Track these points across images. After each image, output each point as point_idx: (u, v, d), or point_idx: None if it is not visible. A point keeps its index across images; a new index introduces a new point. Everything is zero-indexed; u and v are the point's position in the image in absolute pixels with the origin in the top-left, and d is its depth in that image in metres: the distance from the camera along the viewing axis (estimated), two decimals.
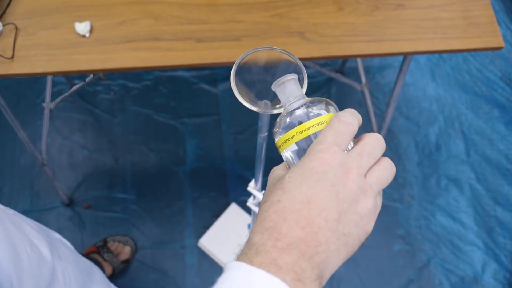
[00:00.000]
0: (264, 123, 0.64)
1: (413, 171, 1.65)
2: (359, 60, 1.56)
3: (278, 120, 0.43)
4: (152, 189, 1.59)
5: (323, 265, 0.35)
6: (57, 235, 0.90)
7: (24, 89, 1.73)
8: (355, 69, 1.63)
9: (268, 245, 0.35)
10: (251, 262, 0.35)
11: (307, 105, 0.41)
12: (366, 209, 0.37)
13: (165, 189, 1.59)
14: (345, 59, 1.73)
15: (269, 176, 0.42)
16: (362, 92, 1.49)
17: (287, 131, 0.41)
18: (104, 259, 1.41)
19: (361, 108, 1.72)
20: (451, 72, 1.83)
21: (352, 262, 1.51)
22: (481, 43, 0.99)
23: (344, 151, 0.38)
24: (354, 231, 0.37)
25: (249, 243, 0.36)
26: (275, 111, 0.47)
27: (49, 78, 1.44)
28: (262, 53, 0.47)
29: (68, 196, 1.56)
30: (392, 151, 1.68)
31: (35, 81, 1.74)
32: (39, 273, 0.63)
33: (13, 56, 0.94)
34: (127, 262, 1.46)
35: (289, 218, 0.35)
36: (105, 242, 1.47)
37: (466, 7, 1.03)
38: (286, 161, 0.43)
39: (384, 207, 1.59)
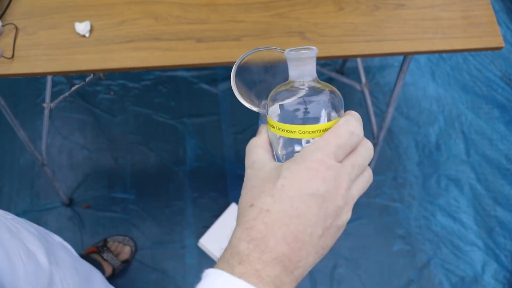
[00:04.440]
0: (264, 123, 0.64)
1: (413, 171, 1.65)
2: (359, 60, 1.56)
3: (277, 93, 0.40)
4: (152, 189, 1.59)
5: (300, 277, 0.37)
6: (57, 238, 0.89)
7: (24, 89, 1.73)
8: (355, 69, 1.63)
9: (253, 256, 0.34)
10: (232, 272, 0.34)
11: (316, 97, 0.39)
12: (345, 222, 0.38)
13: (165, 189, 1.59)
14: (345, 59, 1.73)
15: (247, 149, 0.41)
16: (362, 92, 1.49)
17: (283, 122, 0.39)
18: (104, 259, 1.41)
19: (361, 108, 1.72)
20: (451, 72, 1.83)
21: (352, 262, 1.51)
22: (481, 43, 0.99)
23: (339, 162, 0.37)
24: (331, 243, 0.38)
25: (232, 250, 0.36)
26: None
27: (49, 78, 1.44)
28: (262, 53, 0.47)
29: (68, 196, 1.56)
30: (392, 151, 1.68)
31: (35, 81, 1.74)
32: (36, 282, 0.63)
33: (13, 56, 0.94)
34: (127, 262, 1.46)
35: (278, 232, 0.35)
36: (105, 242, 1.47)
37: (466, 7, 1.03)
38: (270, 137, 0.41)
39: (384, 207, 1.59)
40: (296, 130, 0.38)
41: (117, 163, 1.63)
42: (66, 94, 1.35)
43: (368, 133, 1.68)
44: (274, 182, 0.36)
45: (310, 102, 0.39)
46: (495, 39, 0.99)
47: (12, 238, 0.61)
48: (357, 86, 1.44)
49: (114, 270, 1.42)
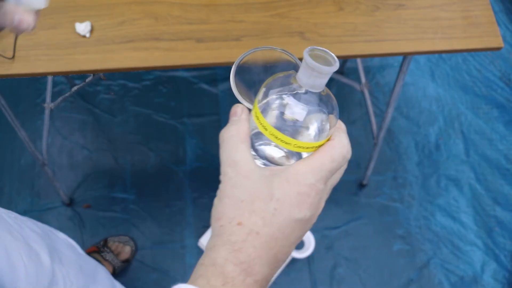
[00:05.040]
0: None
1: (413, 171, 1.65)
2: (359, 60, 1.56)
3: (274, 87, 0.37)
4: (152, 189, 1.59)
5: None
6: (61, 235, 0.89)
7: (24, 89, 1.73)
8: (355, 69, 1.63)
9: (238, 280, 0.34)
10: None
11: (320, 117, 0.36)
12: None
13: (165, 189, 1.59)
14: (345, 59, 1.73)
15: (223, 140, 0.38)
16: (362, 92, 1.49)
17: (277, 129, 0.36)
18: (104, 259, 1.42)
19: (361, 108, 1.73)
20: (451, 72, 1.83)
21: (352, 262, 1.51)
22: (480, 43, 0.99)
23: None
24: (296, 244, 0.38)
25: (216, 269, 0.34)
26: None
27: (50, 78, 1.45)
28: (262, 53, 0.47)
29: (68, 196, 1.56)
30: (392, 151, 1.68)
31: (35, 81, 1.74)
32: (37, 282, 0.63)
33: (13, 56, 0.94)
34: (127, 262, 1.46)
35: (264, 256, 0.35)
36: (105, 242, 1.47)
37: (465, 7, 1.03)
38: (252, 130, 0.38)
39: (384, 207, 1.59)
40: (292, 143, 0.36)
41: (117, 163, 1.63)
42: (67, 94, 1.35)
43: (368, 133, 1.68)
44: (266, 203, 0.35)
45: (311, 113, 0.36)
46: (495, 39, 1.00)
47: (13, 239, 0.60)
48: (357, 86, 1.44)
49: (114, 270, 1.42)
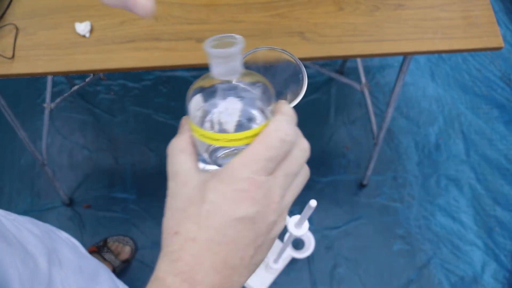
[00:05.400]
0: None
1: (413, 171, 1.65)
2: (359, 60, 1.56)
3: (197, 91, 0.34)
4: (152, 189, 1.59)
5: None
6: (63, 235, 0.89)
7: (24, 89, 1.73)
8: (355, 69, 1.63)
9: None
10: None
11: (242, 97, 0.33)
12: (279, 231, 0.35)
13: (165, 189, 1.58)
14: (345, 59, 1.73)
15: (168, 153, 0.36)
16: (362, 92, 1.49)
17: (205, 128, 0.34)
18: (104, 259, 1.42)
19: (361, 108, 1.73)
20: (451, 72, 1.83)
21: (352, 262, 1.51)
22: (480, 43, 0.99)
23: (271, 174, 0.33)
24: (264, 256, 0.35)
25: (158, 283, 0.33)
26: None
27: (49, 78, 1.45)
28: (262, 53, 0.47)
29: (68, 196, 1.56)
30: (392, 151, 1.68)
31: (35, 81, 1.74)
32: None
33: (13, 56, 0.94)
34: (127, 262, 1.46)
35: (206, 263, 0.32)
36: (105, 242, 1.47)
37: (466, 7, 1.03)
38: (196, 141, 0.36)
39: (384, 207, 1.59)
40: (221, 138, 0.33)
41: (117, 163, 1.63)
42: (67, 94, 1.35)
43: (368, 133, 1.68)
44: (199, 206, 0.32)
45: (236, 103, 0.33)
46: (495, 39, 1.00)
47: (8, 246, 0.59)
48: (357, 86, 1.44)
49: (114, 270, 1.42)
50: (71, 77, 1.67)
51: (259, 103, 0.34)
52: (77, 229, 1.52)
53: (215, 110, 0.33)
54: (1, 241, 0.58)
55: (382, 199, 1.61)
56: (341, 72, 1.77)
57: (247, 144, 0.33)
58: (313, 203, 0.87)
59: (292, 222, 1.01)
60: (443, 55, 1.86)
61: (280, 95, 0.49)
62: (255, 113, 0.34)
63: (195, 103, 0.34)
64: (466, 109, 1.77)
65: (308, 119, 1.70)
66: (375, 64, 1.83)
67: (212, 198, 0.32)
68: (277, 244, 1.43)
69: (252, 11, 1.00)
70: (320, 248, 1.51)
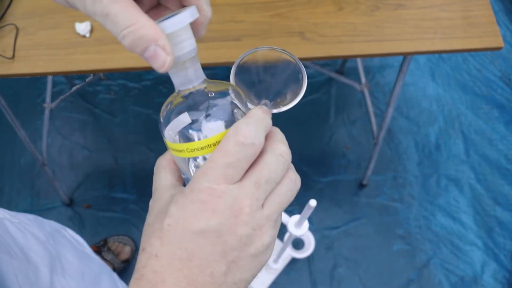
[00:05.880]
0: None
1: (413, 171, 1.65)
2: (359, 60, 1.56)
3: (166, 109, 0.34)
4: (152, 189, 1.59)
5: None
6: (69, 232, 0.88)
7: (24, 89, 1.73)
8: (355, 69, 1.63)
9: None
10: None
11: (207, 107, 0.32)
12: (262, 247, 0.32)
13: None
14: (345, 59, 1.73)
15: (154, 170, 0.36)
16: (362, 92, 1.49)
17: (172, 141, 0.33)
18: (105, 259, 1.42)
19: (361, 108, 1.73)
20: (451, 72, 1.83)
21: (352, 262, 1.51)
22: (480, 43, 0.99)
23: (237, 182, 0.31)
24: (247, 274, 0.32)
25: None
26: (275, 111, 0.47)
27: (50, 78, 1.45)
28: (262, 53, 0.47)
29: (68, 196, 1.56)
30: (392, 151, 1.68)
31: (35, 81, 1.74)
32: None
33: (13, 56, 0.94)
34: (127, 261, 1.46)
35: (169, 280, 0.30)
36: (105, 242, 1.47)
37: (465, 7, 1.03)
38: (175, 158, 0.36)
39: (384, 207, 1.59)
40: (184, 149, 0.32)
41: (117, 163, 1.63)
42: (67, 94, 1.35)
43: (368, 133, 1.68)
44: (162, 221, 0.31)
45: (202, 114, 0.32)
46: (495, 39, 1.00)
47: (10, 259, 0.59)
48: (357, 86, 1.44)
49: (114, 269, 1.42)
50: (71, 77, 1.67)
51: (227, 111, 0.32)
52: (77, 229, 1.52)
53: (184, 124, 0.32)
54: (3, 253, 0.58)
55: (382, 199, 1.61)
56: (341, 72, 1.77)
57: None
58: (313, 202, 0.87)
59: (292, 222, 1.01)
60: (443, 55, 1.86)
61: (280, 95, 0.49)
62: (222, 122, 0.32)
63: (167, 122, 0.33)
64: (466, 109, 1.77)
65: (308, 119, 1.70)
66: (375, 64, 1.83)
67: (173, 211, 0.31)
68: (277, 244, 1.44)
69: (252, 11, 1.00)
70: (320, 248, 1.51)
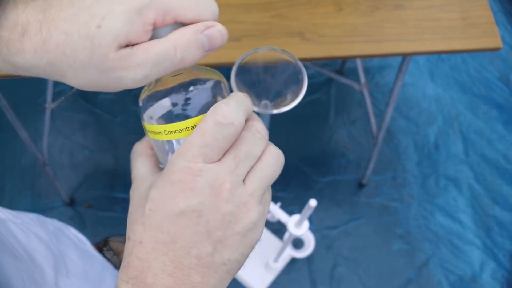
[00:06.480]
0: (264, 123, 0.65)
1: (412, 171, 1.66)
2: (358, 61, 1.57)
3: (145, 94, 0.34)
4: None
5: None
6: (71, 231, 0.88)
7: (25, 89, 1.74)
8: (355, 70, 1.64)
9: None
10: None
11: (188, 91, 0.32)
12: (250, 224, 0.31)
13: None
14: (345, 59, 1.74)
15: (130, 157, 0.36)
16: (362, 93, 1.49)
17: (150, 123, 0.33)
18: (106, 258, 1.42)
19: (361, 108, 1.73)
20: (450, 72, 1.84)
21: (351, 262, 1.52)
22: (479, 44, 1.00)
23: (216, 161, 0.30)
24: (236, 254, 0.31)
25: None
26: (275, 111, 0.48)
27: None
28: (262, 54, 0.48)
29: (69, 195, 1.56)
30: (391, 151, 1.68)
31: (36, 81, 1.74)
32: None
33: None
34: None
35: (154, 265, 0.30)
36: (106, 241, 1.47)
37: (464, 7, 1.03)
38: (152, 143, 0.35)
39: (383, 207, 1.60)
40: (162, 131, 0.32)
41: (118, 163, 1.63)
42: (68, 94, 1.35)
43: (368, 133, 1.69)
44: (143, 207, 0.31)
45: (181, 95, 0.32)
46: (494, 39, 1.00)
47: (15, 261, 0.59)
48: (357, 87, 1.45)
49: (116, 268, 1.43)
50: None
51: (208, 96, 0.32)
52: (78, 228, 1.52)
53: (163, 107, 0.32)
54: (8, 255, 0.58)
55: (381, 199, 1.61)
56: (340, 72, 1.78)
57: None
58: (312, 202, 0.88)
59: (292, 221, 1.02)
60: (442, 55, 1.86)
61: (280, 95, 0.49)
62: (202, 105, 0.32)
63: (147, 105, 0.33)
64: (465, 109, 1.77)
65: (308, 119, 1.71)
66: (375, 64, 1.83)
67: (153, 195, 0.31)
68: (277, 243, 1.44)
69: (252, 11, 1.01)
70: (320, 248, 1.52)
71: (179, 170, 0.30)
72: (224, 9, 1.01)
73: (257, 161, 0.32)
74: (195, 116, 0.31)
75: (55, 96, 1.42)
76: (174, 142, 0.32)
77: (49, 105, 1.37)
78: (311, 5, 1.02)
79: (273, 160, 0.33)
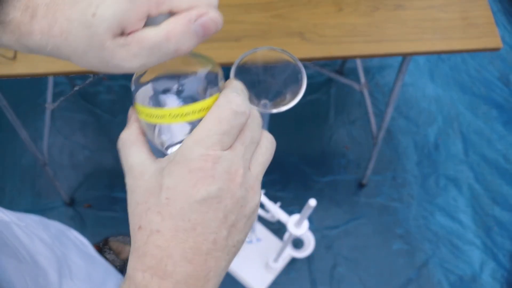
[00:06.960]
0: (264, 123, 0.65)
1: (412, 171, 1.66)
2: (358, 61, 1.57)
3: (140, 75, 0.33)
4: None
5: (215, 286, 0.32)
6: (73, 234, 0.88)
7: (25, 89, 1.74)
8: (355, 70, 1.64)
9: (152, 286, 0.30)
10: None
11: (184, 77, 0.32)
12: (255, 206, 0.33)
13: None
14: (345, 59, 1.74)
15: (119, 147, 0.35)
16: (362, 93, 1.50)
17: (151, 106, 0.32)
18: (106, 259, 1.42)
19: (361, 108, 1.73)
20: (450, 72, 1.84)
21: (351, 262, 1.52)
22: (479, 44, 1.00)
23: (229, 148, 0.31)
24: (242, 235, 0.33)
25: (130, 282, 0.31)
26: (275, 111, 0.48)
27: (51, 78, 1.45)
28: (262, 54, 0.48)
29: (69, 195, 1.56)
30: (391, 151, 1.68)
31: (36, 81, 1.74)
32: None
33: (15, 57, 0.95)
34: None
35: (175, 253, 0.30)
36: (106, 241, 1.47)
37: (464, 7, 1.03)
38: (142, 126, 0.34)
39: (383, 207, 1.60)
40: (167, 114, 0.32)
41: (118, 163, 1.62)
42: (68, 94, 1.35)
43: (368, 133, 1.69)
44: (158, 195, 0.31)
45: (182, 79, 0.32)
46: (493, 39, 1.00)
47: (18, 264, 0.59)
48: (357, 87, 1.45)
49: (116, 269, 1.43)
50: (72, 77, 1.67)
51: (206, 82, 0.32)
52: (78, 228, 1.52)
53: (161, 91, 0.32)
54: (12, 258, 0.58)
55: (381, 199, 1.61)
56: (340, 72, 1.78)
57: (192, 122, 0.32)
58: (312, 202, 0.88)
59: (292, 221, 1.02)
60: (442, 55, 1.86)
61: (279, 95, 0.49)
62: (204, 88, 0.32)
63: (140, 86, 0.33)
64: (465, 109, 1.77)
65: (308, 119, 1.71)
66: (375, 64, 1.83)
67: (169, 183, 0.31)
68: (277, 243, 1.44)
69: (252, 12, 1.01)
70: (320, 248, 1.52)
71: (199, 158, 0.30)
72: (224, 9, 1.01)
73: (257, 146, 0.33)
74: (202, 99, 0.32)
75: (55, 96, 1.42)
76: (178, 125, 0.32)
77: (49, 105, 1.37)
78: (311, 5, 1.02)
79: (270, 144, 0.34)
